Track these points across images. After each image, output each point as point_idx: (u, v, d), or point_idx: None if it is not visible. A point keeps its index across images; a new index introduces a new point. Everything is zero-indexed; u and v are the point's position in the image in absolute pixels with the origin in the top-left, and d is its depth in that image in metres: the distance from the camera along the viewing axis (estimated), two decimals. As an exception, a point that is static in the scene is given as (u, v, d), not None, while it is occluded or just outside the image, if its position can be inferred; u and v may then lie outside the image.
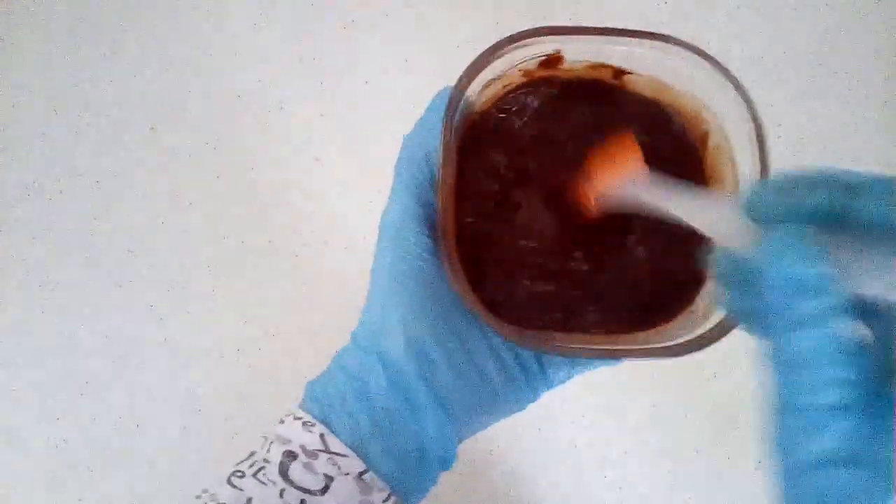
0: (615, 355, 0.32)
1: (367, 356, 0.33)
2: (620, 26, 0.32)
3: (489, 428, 0.53)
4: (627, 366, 0.56)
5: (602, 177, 0.33)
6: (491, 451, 0.56)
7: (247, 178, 0.58)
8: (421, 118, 0.35)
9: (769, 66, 0.59)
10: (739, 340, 0.56)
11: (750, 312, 0.25)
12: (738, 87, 0.31)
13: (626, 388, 0.57)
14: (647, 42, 0.32)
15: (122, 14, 0.60)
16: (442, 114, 0.31)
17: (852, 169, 0.22)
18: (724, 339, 0.31)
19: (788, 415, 0.21)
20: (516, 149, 0.35)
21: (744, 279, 0.25)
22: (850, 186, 0.21)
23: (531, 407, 0.54)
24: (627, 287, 0.34)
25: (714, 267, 0.26)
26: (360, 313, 0.34)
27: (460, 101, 0.32)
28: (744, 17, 0.60)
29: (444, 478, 0.34)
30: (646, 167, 0.32)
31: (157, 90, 0.59)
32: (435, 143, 0.33)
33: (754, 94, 0.31)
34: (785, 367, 0.21)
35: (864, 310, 0.22)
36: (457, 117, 0.32)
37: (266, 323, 0.57)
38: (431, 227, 0.33)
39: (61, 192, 0.58)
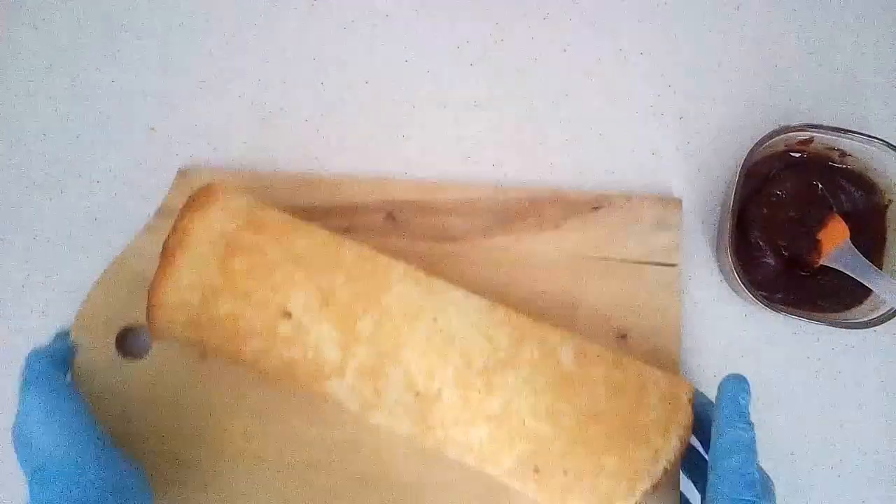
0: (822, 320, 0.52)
1: None
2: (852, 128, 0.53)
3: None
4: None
5: (824, 249, 0.54)
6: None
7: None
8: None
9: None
10: (737, 341, 0.55)
11: None
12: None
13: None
14: (860, 138, 0.53)
15: (122, 14, 0.60)
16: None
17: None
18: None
19: None
20: (780, 193, 0.56)
21: None
22: None
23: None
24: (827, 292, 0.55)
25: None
26: None
27: (750, 159, 0.53)
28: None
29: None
30: (850, 245, 0.53)
31: (158, 90, 0.59)
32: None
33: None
34: None
35: None
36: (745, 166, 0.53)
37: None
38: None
39: (61, 192, 0.58)
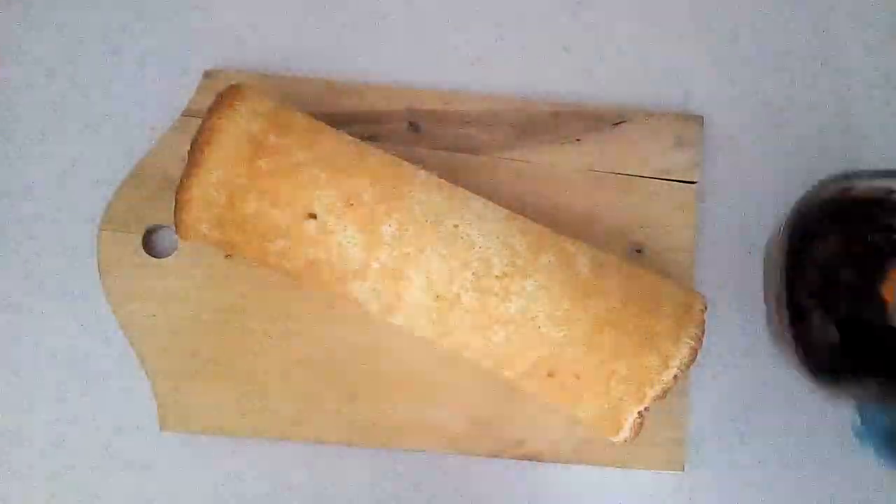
0: None
1: None
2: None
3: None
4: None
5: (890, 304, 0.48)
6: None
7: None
8: None
9: None
10: (735, 342, 0.56)
11: None
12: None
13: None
14: None
15: (120, 16, 0.59)
16: None
17: None
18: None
19: None
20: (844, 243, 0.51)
21: None
22: None
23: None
24: None
25: None
26: None
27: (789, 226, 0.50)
28: None
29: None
30: None
31: (158, 91, 0.58)
32: None
33: None
34: None
35: None
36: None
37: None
38: None
39: (61, 192, 0.57)
